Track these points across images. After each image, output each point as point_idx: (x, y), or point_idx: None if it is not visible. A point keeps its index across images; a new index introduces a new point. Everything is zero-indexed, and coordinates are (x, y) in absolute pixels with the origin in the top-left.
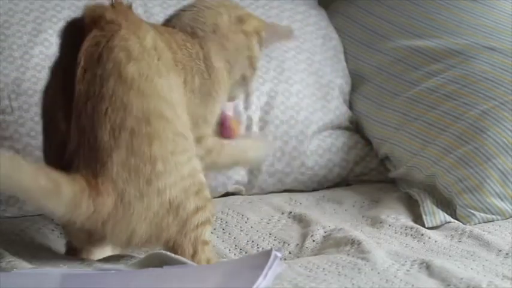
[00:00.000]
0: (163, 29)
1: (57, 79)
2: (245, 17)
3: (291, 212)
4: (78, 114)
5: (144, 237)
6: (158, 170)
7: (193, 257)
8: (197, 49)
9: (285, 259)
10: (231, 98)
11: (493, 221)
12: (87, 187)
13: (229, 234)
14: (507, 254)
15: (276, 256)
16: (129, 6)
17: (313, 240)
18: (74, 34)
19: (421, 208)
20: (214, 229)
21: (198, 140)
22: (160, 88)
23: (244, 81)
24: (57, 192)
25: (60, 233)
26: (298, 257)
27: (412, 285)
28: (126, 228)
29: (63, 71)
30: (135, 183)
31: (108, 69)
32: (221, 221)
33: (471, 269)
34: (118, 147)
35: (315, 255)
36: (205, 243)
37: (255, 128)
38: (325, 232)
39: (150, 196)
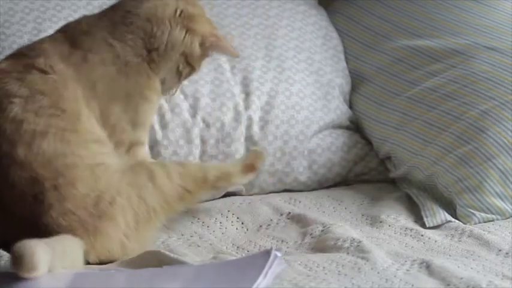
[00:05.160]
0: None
1: None
2: (198, 17)
3: (289, 213)
4: None
5: None
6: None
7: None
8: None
9: (284, 257)
10: (166, 91)
11: (493, 220)
12: None
13: (227, 236)
14: (507, 253)
15: (275, 256)
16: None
17: (312, 237)
18: None
19: (422, 212)
20: (214, 231)
21: (129, 146)
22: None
23: (177, 77)
24: None
25: None
26: (296, 250)
27: (412, 285)
28: None
29: None
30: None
31: None
32: (220, 224)
33: (471, 268)
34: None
35: (312, 248)
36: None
37: (255, 128)
38: (324, 227)
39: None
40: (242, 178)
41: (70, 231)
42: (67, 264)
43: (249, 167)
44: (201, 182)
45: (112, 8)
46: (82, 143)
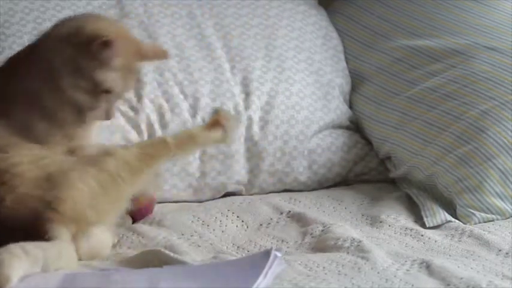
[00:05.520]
0: None
1: None
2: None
3: (290, 212)
4: None
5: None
6: None
7: None
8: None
9: (284, 257)
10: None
11: (493, 220)
12: None
13: (228, 235)
14: (507, 253)
15: (275, 256)
16: None
17: (312, 237)
18: None
19: (422, 212)
20: (214, 230)
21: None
22: None
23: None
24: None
25: None
26: (296, 250)
27: (412, 285)
28: None
29: None
30: None
31: None
32: (220, 223)
33: (471, 268)
34: None
35: (313, 248)
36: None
37: (255, 128)
38: (324, 227)
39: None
40: (208, 136)
41: (33, 213)
42: (62, 265)
43: (213, 123)
44: (159, 146)
45: (44, 35)
46: (24, 149)
